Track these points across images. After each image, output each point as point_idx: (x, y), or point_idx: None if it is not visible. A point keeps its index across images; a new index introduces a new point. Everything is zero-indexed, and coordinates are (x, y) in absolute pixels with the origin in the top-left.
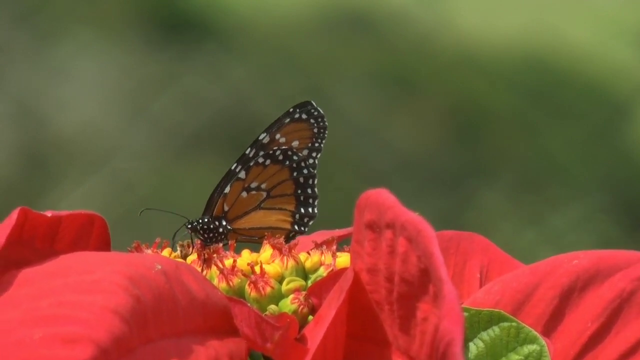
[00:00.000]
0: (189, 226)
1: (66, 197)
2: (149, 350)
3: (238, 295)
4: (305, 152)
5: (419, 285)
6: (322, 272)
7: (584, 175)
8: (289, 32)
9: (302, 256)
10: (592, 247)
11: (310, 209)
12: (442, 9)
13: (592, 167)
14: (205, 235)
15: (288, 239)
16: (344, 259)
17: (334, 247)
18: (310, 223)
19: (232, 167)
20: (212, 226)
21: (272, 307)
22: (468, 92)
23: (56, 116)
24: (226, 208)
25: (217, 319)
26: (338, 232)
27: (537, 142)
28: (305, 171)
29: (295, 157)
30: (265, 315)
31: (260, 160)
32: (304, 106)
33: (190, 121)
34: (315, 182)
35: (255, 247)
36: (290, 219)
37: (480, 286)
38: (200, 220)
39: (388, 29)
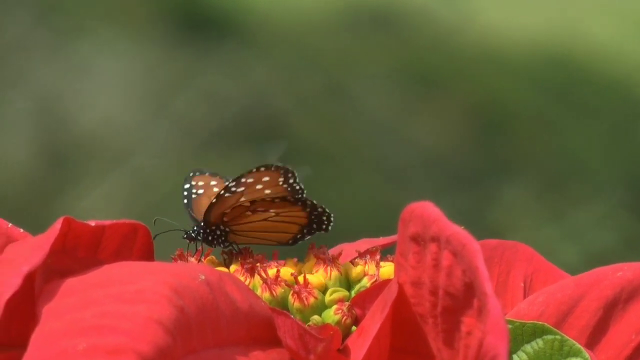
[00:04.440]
0: (185, 236)
1: (87, 194)
2: None
3: (281, 305)
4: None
5: (464, 299)
6: (366, 282)
7: (605, 172)
8: (310, 29)
9: (346, 266)
10: (613, 244)
11: (324, 226)
12: (464, 6)
13: (613, 164)
14: (208, 239)
15: (295, 240)
16: (387, 269)
17: (378, 256)
18: (324, 227)
19: (221, 192)
20: (208, 231)
21: (315, 317)
22: (490, 90)
23: (77, 114)
24: (226, 219)
25: (261, 329)
26: (381, 241)
27: (559, 140)
28: (297, 187)
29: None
30: (309, 326)
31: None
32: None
33: (211, 118)
34: (325, 211)
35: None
36: (298, 226)
37: (524, 296)
38: (195, 228)
39: (410, 26)
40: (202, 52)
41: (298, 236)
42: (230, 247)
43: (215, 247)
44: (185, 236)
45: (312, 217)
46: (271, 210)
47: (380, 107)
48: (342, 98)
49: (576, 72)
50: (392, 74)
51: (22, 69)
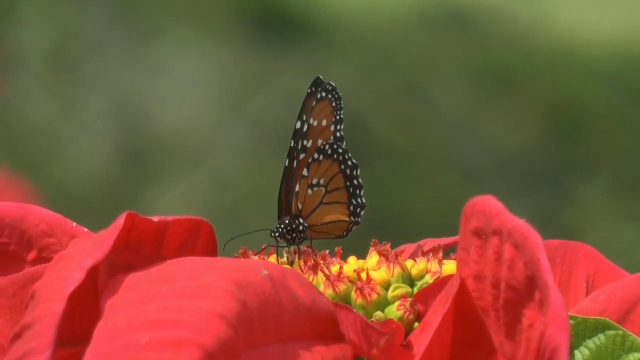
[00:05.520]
0: (277, 234)
1: (165, 194)
2: (254, 355)
3: (344, 301)
4: (332, 128)
5: (525, 291)
6: (428, 279)
7: None
8: (387, 29)
9: (409, 263)
10: None
11: (360, 200)
12: (541, 7)
13: None
14: (289, 237)
15: (348, 232)
16: (450, 267)
17: (440, 254)
18: (362, 213)
19: (286, 164)
20: (294, 226)
21: (378, 313)
22: (566, 90)
23: (155, 114)
24: (300, 206)
25: (323, 325)
26: (444, 240)
27: (636, 140)
28: (349, 162)
29: (340, 150)
30: (371, 321)
31: (315, 156)
32: (318, 84)
33: (288, 119)
34: (359, 172)
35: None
36: (346, 211)
37: (587, 296)
38: (284, 224)
39: (487, 27)
40: (279, 52)
41: (350, 226)
42: (295, 247)
43: (294, 244)
44: (277, 234)
45: (350, 191)
46: (321, 181)
47: (457, 106)
48: (419, 97)
49: None
50: (469, 74)
51: (99, 70)
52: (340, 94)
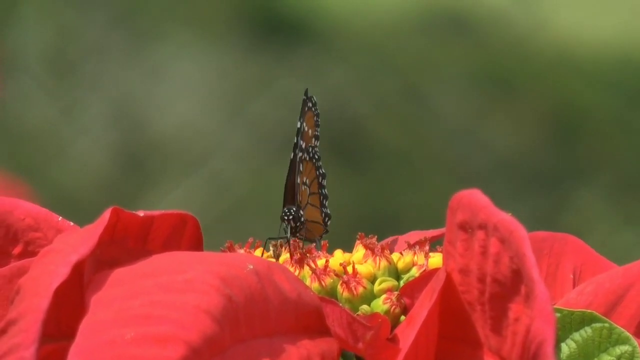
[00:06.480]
0: (291, 217)
1: (164, 197)
2: (240, 350)
3: (330, 295)
4: (313, 141)
5: (511, 285)
6: (415, 272)
7: None
8: (386, 33)
9: (395, 256)
10: None
11: (327, 210)
12: (540, 10)
13: None
14: (294, 225)
15: (321, 237)
16: (436, 260)
17: (427, 247)
18: (329, 223)
19: (292, 157)
20: (299, 215)
21: (364, 307)
22: (565, 93)
23: (154, 117)
24: (299, 199)
25: (309, 319)
26: (431, 233)
27: (635, 143)
28: (321, 171)
29: (316, 156)
30: (357, 315)
31: (304, 156)
32: (307, 95)
33: (288, 123)
34: (325, 182)
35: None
36: (320, 216)
37: (574, 287)
38: (292, 211)
39: (485, 30)
40: (278, 56)
41: (322, 232)
42: (288, 239)
43: (295, 235)
44: (290, 217)
45: (320, 198)
46: (306, 181)
47: (456, 110)
48: (418, 101)
49: None
50: (468, 77)
51: (99, 73)
52: (319, 112)
